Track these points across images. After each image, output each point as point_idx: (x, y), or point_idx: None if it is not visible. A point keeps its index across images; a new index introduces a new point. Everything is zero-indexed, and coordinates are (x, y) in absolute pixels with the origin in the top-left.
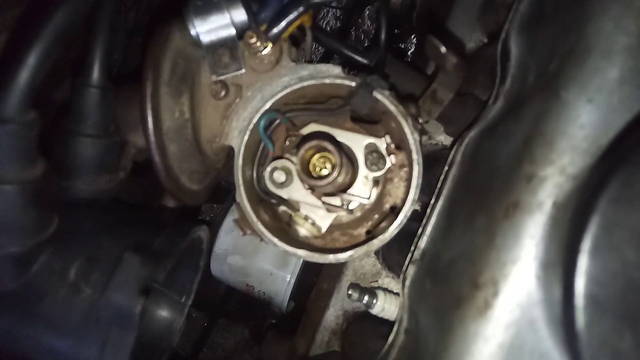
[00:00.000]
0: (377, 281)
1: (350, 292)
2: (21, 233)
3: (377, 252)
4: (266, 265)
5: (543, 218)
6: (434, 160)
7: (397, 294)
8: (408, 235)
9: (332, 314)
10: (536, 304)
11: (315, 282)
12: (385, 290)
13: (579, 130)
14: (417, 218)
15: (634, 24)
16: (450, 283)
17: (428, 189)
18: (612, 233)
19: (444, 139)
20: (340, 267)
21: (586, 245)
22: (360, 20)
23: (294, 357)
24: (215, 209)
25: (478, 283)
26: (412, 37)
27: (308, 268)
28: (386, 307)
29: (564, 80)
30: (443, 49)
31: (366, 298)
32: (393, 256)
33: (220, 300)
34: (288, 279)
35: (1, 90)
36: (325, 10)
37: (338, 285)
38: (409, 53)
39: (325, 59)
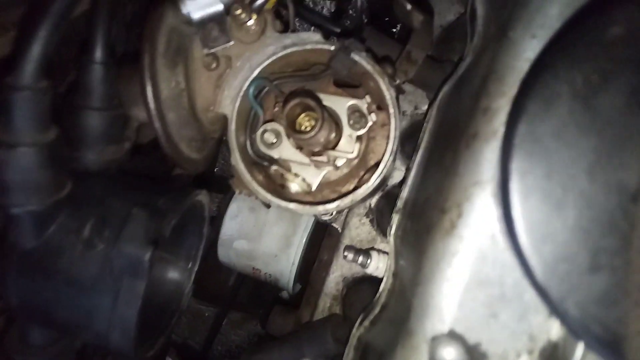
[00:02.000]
0: (373, 247)
1: (345, 253)
2: (39, 192)
3: (371, 220)
4: (271, 248)
5: (497, 143)
6: (418, 128)
7: None
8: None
9: (332, 281)
10: (495, 219)
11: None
12: (379, 250)
13: (525, 63)
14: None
15: None
16: (424, 217)
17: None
18: (536, 127)
19: None
20: (338, 237)
21: (517, 140)
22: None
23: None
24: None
25: (444, 208)
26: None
27: (311, 248)
28: (380, 266)
29: (512, 21)
30: (408, 6)
31: (361, 258)
32: (386, 221)
33: (230, 292)
34: (292, 260)
35: (18, 62)
36: None
37: (337, 254)
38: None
39: None
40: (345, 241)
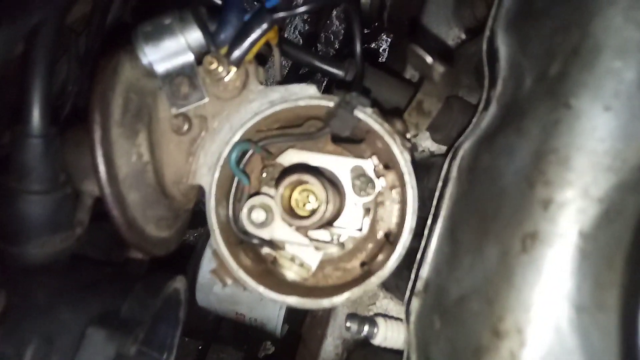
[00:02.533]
0: (374, 303)
1: (348, 324)
2: None
3: None
4: None
5: (569, 251)
6: (424, 171)
7: (398, 318)
8: (405, 254)
9: (331, 344)
10: (573, 352)
11: None
12: (385, 316)
13: (599, 144)
14: (414, 234)
15: None
16: (465, 326)
17: (421, 203)
18: None
19: (431, 145)
20: None
21: None
22: (328, 22)
23: None
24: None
25: (500, 331)
26: (383, 35)
27: None
28: (388, 335)
29: (573, 85)
30: (429, 59)
31: (366, 328)
32: (390, 278)
33: (211, 327)
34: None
35: None
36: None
37: (334, 311)
38: (380, 50)
39: (295, 71)
40: None
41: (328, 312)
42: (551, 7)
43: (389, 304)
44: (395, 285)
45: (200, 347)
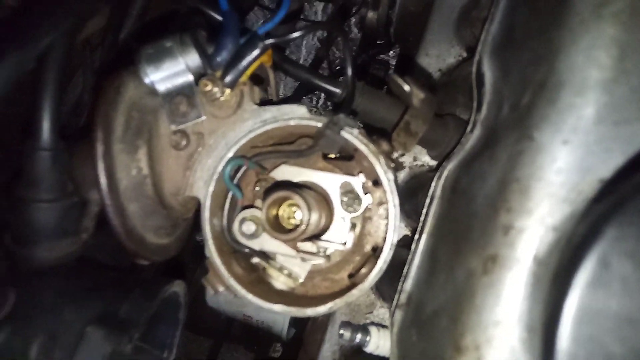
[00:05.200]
0: (372, 312)
1: (342, 331)
2: None
3: None
4: None
5: (524, 275)
6: (419, 186)
7: None
8: (398, 265)
9: (328, 350)
10: None
11: None
12: (379, 325)
13: (556, 176)
14: (407, 245)
15: (607, 55)
16: (434, 339)
17: (415, 216)
18: (598, 295)
19: (430, 160)
20: None
21: (569, 310)
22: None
23: None
24: None
25: (460, 347)
26: (395, 46)
27: None
28: (381, 343)
29: (537, 119)
30: (407, 88)
31: (359, 336)
32: (385, 287)
33: (223, 326)
34: None
35: None
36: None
37: (332, 318)
38: (391, 63)
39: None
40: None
41: (327, 319)
42: (527, 39)
43: (385, 313)
44: (389, 295)
45: (212, 345)
